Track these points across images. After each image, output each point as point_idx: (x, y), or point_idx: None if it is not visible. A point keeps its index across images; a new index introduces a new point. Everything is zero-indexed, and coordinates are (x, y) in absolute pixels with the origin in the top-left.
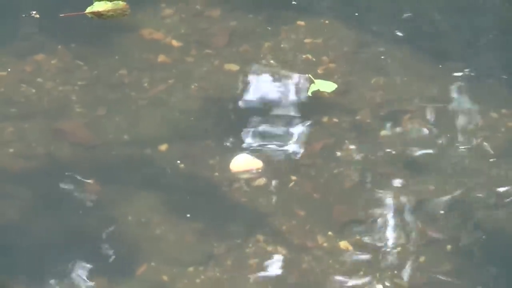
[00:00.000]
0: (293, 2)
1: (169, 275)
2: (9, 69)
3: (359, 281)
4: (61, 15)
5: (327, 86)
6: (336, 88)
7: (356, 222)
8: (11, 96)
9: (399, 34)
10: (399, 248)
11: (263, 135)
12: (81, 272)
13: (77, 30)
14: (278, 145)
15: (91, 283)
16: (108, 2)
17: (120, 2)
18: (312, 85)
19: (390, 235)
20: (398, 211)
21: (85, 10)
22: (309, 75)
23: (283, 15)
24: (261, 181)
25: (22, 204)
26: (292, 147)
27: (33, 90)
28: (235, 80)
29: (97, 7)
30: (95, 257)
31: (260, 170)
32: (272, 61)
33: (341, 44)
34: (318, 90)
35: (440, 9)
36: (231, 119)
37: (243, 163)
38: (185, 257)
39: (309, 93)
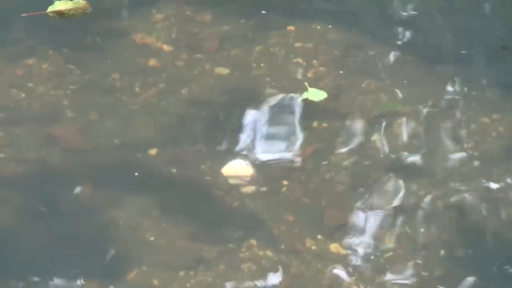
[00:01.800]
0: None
1: (160, 279)
2: None
3: (350, 286)
4: (23, 14)
5: (317, 95)
6: (325, 97)
7: (347, 226)
8: (1, 101)
9: (390, 38)
10: (390, 253)
11: (253, 140)
12: (72, 276)
13: (68, 34)
14: (269, 149)
15: None
16: (69, 1)
17: (81, 1)
18: (305, 93)
19: (382, 239)
20: (389, 216)
21: (46, 9)
22: (305, 83)
23: (273, 20)
24: (252, 185)
25: (13, 208)
26: (282, 151)
27: (24, 95)
28: (225, 84)
29: (58, 6)
30: (86, 262)
31: (249, 179)
32: (262, 65)
33: (331, 48)
34: (307, 98)
35: (433, 13)
36: (222, 123)
37: (235, 169)
38: (176, 262)
39: (299, 101)
